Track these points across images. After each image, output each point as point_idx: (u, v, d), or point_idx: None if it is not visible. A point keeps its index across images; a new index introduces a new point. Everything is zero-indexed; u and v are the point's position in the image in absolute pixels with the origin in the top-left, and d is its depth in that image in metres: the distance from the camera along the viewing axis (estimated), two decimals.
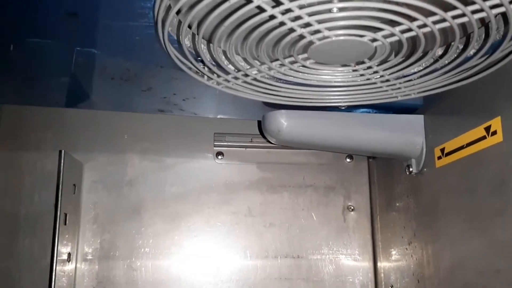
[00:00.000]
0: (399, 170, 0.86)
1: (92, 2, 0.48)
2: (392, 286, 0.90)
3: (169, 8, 0.46)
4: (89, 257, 0.89)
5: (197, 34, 0.50)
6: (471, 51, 0.55)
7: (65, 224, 0.82)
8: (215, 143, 0.97)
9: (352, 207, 1.00)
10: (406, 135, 0.78)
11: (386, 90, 0.62)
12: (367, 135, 0.78)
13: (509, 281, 0.58)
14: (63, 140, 0.90)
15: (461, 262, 0.68)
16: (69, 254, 0.84)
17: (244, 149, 0.98)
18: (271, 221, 0.96)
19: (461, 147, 0.67)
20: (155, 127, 0.95)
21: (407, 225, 0.85)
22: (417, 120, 0.79)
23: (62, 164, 0.79)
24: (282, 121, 0.74)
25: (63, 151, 0.80)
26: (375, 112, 0.81)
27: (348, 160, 1.02)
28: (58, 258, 0.79)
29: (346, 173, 1.01)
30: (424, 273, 0.78)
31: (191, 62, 0.55)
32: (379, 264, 0.96)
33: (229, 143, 0.97)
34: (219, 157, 0.97)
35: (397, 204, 0.89)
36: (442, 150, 0.73)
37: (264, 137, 0.82)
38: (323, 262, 0.96)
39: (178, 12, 0.50)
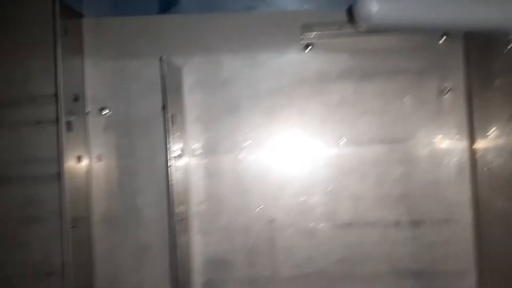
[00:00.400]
0: (498, 47, 0.82)
1: None
2: (488, 166, 0.90)
3: None
4: (198, 152, 0.98)
5: None
6: None
7: (173, 124, 0.90)
8: (303, 35, 0.97)
9: (447, 88, 0.98)
10: (504, 6, 0.74)
11: None
12: (463, 10, 0.74)
13: None
14: (160, 46, 0.95)
15: None
16: (181, 150, 0.94)
17: (332, 38, 0.98)
18: (364, 108, 0.98)
19: None
20: (244, 25, 0.97)
21: (505, 103, 0.83)
22: None
23: (164, 70, 0.85)
24: (373, 5, 0.73)
25: (164, 56, 0.86)
26: None
27: (442, 40, 0.98)
28: (172, 154, 0.88)
29: (440, 54, 0.98)
30: None
31: None
32: (475, 144, 0.96)
33: (317, 34, 0.97)
34: (308, 48, 0.98)
35: (496, 82, 0.86)
36: None
37: (353, 26, 0.81)
38: (419, 145, 0.98)
39: None
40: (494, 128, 0.88)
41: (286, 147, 0.98)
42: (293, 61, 0.98)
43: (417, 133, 0.98)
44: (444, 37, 0.97)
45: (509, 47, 0.78)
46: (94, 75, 0.96)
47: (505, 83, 0.83)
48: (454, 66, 0.98)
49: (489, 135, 0.90)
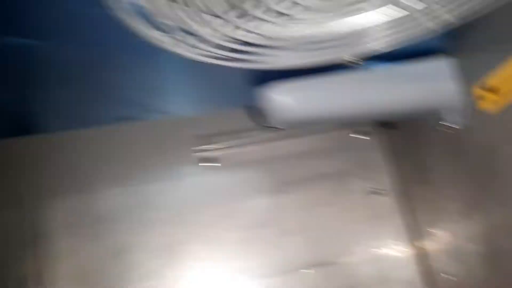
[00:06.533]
0: (430, 133, 0.70)
1: None
2: (448, 274, 0.73)
3: None
4: None
5: None
6: None
7: None
8: (200, 148, 0.79)
9: (378, 190, 0.83)
10: (434, 83, 0.62)
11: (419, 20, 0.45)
12: (389, 93, 0.61)
13: None
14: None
15: None
16: None
17: (238, 148, 0.80)
18: (288, 227, 0.79)
19: None
20: (123, 141, 0.76)
21: (456, 195, 0.68)
22: (443, 63, 0.62)
23: None
24: (282, 97, 0.57)
25: None
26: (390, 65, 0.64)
27: (362, 136, 0.85)
28: None
29: (363, 152, 0.84)
30: (495, 247, 0.61)
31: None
32: (425, 250, 0.79)
33: (218, 145, 0.79)
34: (209, 163, 0.79)
35: (436, 174, 0.72)
36: (485, 87, 0.56)
37: (259, 125, 0.64)
38: (359, 263, 0.79)
39: None
40: (447, 228, 0.72)
41: None
42: (191, 180, 0.79)
43: (354, 247, 0.79)
44: (364, 133, 0.84)
45: (446, 127, 0.64)
46: None
47: (449, 172, 0.69)
48: (382, 163, 0.84)
49: (441, 237, 0.74)
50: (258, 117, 0.61)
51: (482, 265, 0.64)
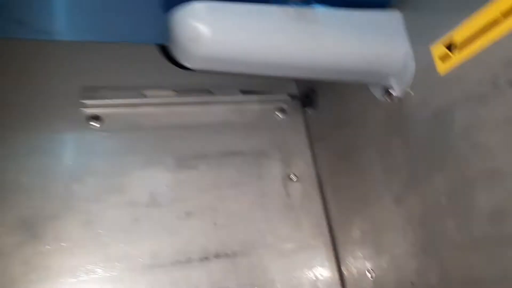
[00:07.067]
0: (361, 106, 0.61)
1: None
2: (371, 271, 0.63)
3: None
4: None
5: None
6: None
7: None
8: (84, 101, 0.63)
9: (295, 176, 0.72)
10: (383, 38, 0.53)
11: None
12: (330, 40, 0.50)
13: None
14: None
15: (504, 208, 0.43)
16: None
17: (133, 108, 0.65)
18: (188, 208, 0.64)
19: (495, 22, 0.43)
20: None
21: (389, 178, 0.59)
22: (396, 15, 0.54)
23: None
24: (202, 19, 0.44)
25: None
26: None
27: (280, 114, 0.75)
28: None
29: (280, 131, 0.74)
30: (436, 235, 0.53)
31: None
32: (344, 246, 0.69)
33: (108, 101, 0.64)
34: (95, 123, 0.63)
35: (367, 155, 0.63)
36: (448, 45, 0.48)
37: (173, 64, 0.50)
38: (269, 256, 0.67)
39: None
40: (373, 217, 0.63)
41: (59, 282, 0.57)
42: (68, 141, 0.62)
43: (265, 238, 0.67)
44: (282, 111, 0.74)
45: (389, 97, 0.56)
46: None
47: (384, 152, 0.60)
48: (301, 145, 0.74)
49: (364, 228, 0.64)
50: (171, 52, 0.47)
51: (418, 262, 0.56)
